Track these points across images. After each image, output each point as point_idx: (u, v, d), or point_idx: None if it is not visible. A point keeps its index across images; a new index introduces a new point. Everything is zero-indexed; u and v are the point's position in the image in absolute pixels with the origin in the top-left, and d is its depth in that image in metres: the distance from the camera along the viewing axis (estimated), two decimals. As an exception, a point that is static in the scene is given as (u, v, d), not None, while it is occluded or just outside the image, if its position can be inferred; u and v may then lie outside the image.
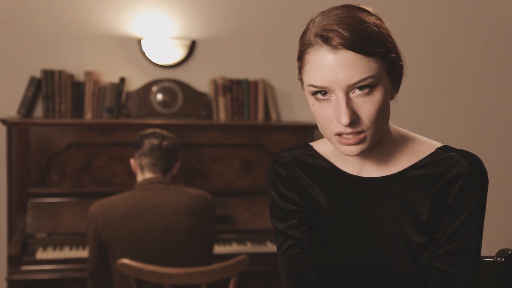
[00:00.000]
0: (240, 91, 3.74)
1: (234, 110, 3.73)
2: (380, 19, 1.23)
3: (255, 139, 3.58)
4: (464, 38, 4.11)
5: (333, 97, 1.19)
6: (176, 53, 3.77)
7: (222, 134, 3.55)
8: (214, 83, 3.73)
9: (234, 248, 3.32)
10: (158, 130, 2.82)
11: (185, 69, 3.81)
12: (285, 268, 1.35)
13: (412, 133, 1.34)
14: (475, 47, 4.13)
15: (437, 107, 4.12)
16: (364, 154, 1.26)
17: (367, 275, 1.28)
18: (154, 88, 3.67)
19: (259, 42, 3.88)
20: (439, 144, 1.30)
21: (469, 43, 4.12)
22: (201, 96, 3.73)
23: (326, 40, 1.16)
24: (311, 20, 1.23)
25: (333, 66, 1.16)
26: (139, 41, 3.74)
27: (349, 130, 1.18)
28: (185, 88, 3.71)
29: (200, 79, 3.80)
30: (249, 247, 3.34)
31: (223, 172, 3.55)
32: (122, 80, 3.65)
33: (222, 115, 3.70)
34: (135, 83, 3.74)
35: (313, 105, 1.22)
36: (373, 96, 1.18)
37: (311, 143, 1.39)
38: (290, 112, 3.90)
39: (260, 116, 3.76)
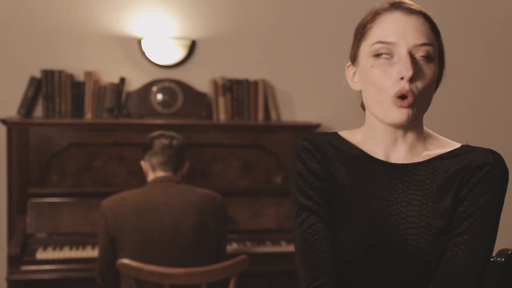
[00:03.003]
0: (240, 91, 3.74)
1: (234, 110, 3.73)
2: None
3: (255, 139, 3.58)
4: (464, 38, 4.11)
5: (395, 58, 1.27)
6: (176, 53, 3.77)
7: (222, 134, 3.55)
8: (214, 83, 3.72)
9: (234, 248, 3.32)
10: (165, 132, 2.89)
11: (185, 69, 3.81)
12: (301, 238, 1.33)
13: (436, 134, 1.41)
14: (475, 46, 4.13)
15: (437, 107, 4.11)
16: (393, 141, 1.33)
17: (385, 257, 1.29)
18: (154, 88, 3.67)
19: (259, 42, 3.88)
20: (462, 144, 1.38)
21: (469, 42, 4.11)
22: (201, 96, 3.73)
23: (399, 6, 1.31)
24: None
25: (405, 25, 1.29)
26: (139, 41, 3.74)
27: (407, 87, 1.25)
28: (185, 88, 3.70)
29: (200, 79, 3.80)
30: (249, 247, 3.34)
31: (223, 172, 3.55)
32: (122, 80, 3.65)
33: (222, 115, 3.70)
34: (135, 83, 3.74)
35: (371, 66, 1.29)
36: (430, 66, 1.30)
37: (338, 132, 1.42)
38: (290, 112, 3.89)
39: (260, 116, 3.76)
